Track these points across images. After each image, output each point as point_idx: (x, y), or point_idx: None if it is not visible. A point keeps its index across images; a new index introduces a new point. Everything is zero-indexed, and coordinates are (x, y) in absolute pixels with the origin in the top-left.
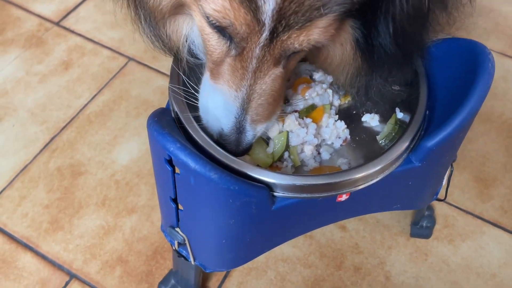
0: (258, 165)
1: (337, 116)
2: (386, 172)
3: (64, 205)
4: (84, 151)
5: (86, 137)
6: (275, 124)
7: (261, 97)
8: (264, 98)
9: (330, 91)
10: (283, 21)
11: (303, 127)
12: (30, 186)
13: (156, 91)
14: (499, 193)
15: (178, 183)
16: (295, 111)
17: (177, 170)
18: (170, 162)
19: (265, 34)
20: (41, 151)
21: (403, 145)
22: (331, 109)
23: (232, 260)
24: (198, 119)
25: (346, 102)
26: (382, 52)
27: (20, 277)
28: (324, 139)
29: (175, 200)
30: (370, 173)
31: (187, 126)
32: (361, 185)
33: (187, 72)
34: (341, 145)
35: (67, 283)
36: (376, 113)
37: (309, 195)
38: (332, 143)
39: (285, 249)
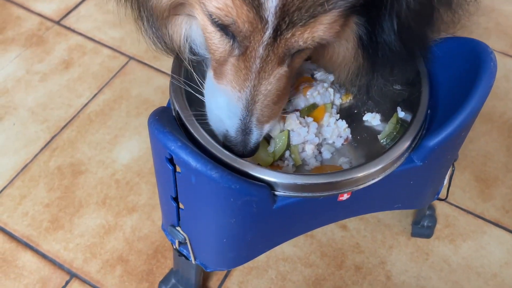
0: (259, 164)
1: (338, 115)
2: (387, 172)
3: (64, 204)
4: (85, 150)
5: (87, 136)
6: (276, 123)
7: (267, 98)
8: (269, 98)
9: (331, 90)
10: (286, 18)
11: (304, 126)
12: (30, 185)
13: (156, 90)
14: (500, 193)
15: (179, 182)
16: (296, 110)
17: (178, 169)
18: (171, 161)
19: (269, 32)
20: (41, 150)
21: (405, 144)
22: (332, 108)
23: (233, 259)
24: (200, 116)
25: (348, 101)
26: (387, 49)
27: (20, 276)
28: (325, 138)
29: (176, 199)
30: (371, 173)
31: (188, 125)
32: (362, 184)
33: (190, 70)
34: (342, 144)
35: (67, 282)
36: (377, 112)
37: (310, 194)
38: (333, 142)
39: (286, 248)
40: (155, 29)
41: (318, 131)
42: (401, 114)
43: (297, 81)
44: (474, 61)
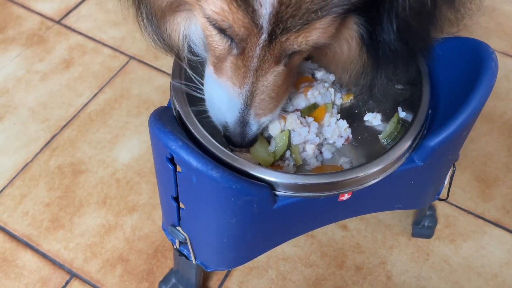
0: (259, 164)
1: (339, 115)
2: (388, 172)
3: (64, 203)
4: (85, 149)
5: (87, 135)
6: (277, 123)
7: (264, 92)
8: (266, 93)
9: (332, 90)
10: (280, 25)
11: (305, 126)
12: (30, 185)
13: (157, 89)
14: (500, 193)
15: (180, 182)
16: (297, 110)
17: (179, 169)
18: (171, 160)
19: (264, 36)
20: (42, 149)
21: (405, 144)
22: (333, 108)
23: (233, 259)
24: (200, 114)
25: (348, 101)
26: (387, 48)
27: (20, 276)
28: (326, 138)
29: (176, 199)
30: (372, 173)
31: (188, 124)
32: (363, 184)
33: (187, 70)
34: (343, 144)
35: (67, 282)
36: (378, 112)
37: (310, 194)
38: (334, 142)
39: (286, 248)
40: (154, 27)
41: (318, 131)
42: (402, 114)
43: (298, 81)
44: (475, 61)
